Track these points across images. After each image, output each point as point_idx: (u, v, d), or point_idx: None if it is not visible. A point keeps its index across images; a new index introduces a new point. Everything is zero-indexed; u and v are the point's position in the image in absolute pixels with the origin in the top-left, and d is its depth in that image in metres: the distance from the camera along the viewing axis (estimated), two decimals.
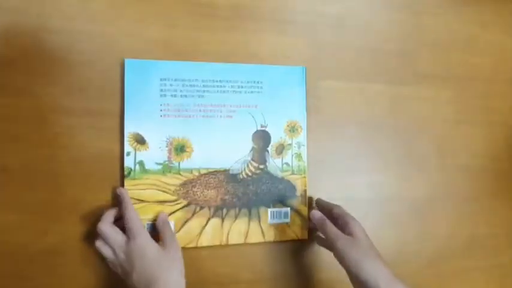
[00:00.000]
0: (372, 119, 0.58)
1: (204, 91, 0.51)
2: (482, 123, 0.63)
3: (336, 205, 0.50)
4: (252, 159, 0.53)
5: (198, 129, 0.51)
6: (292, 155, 0.54)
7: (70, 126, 0.48)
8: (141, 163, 0.49)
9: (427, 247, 0.59)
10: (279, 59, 0.55)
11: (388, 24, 0.60)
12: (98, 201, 0.48)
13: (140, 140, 0.49)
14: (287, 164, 0.54)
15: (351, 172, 0.57)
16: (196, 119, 0.51)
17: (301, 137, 0.54)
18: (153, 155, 0.49)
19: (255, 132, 0.53)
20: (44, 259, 0.47)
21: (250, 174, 0.52)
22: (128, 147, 0.49)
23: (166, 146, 0.50)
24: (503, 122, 0.64)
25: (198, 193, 0.51)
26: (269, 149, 0.53)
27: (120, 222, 0.45)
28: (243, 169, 0.52)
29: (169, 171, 0.50)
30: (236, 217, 0.52)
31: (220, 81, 0.52)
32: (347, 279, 0.44)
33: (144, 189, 0.49)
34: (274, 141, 0.53)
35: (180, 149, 0.50)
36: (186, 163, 0.50)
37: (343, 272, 0.44)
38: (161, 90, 0.50)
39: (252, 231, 0.52)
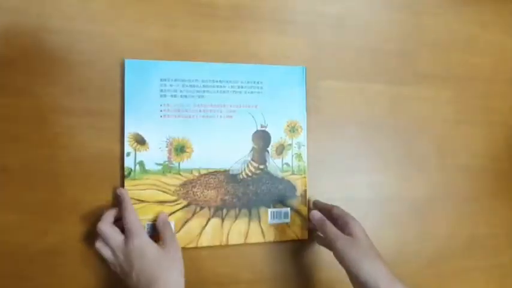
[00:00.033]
0: (372, 119, 0.58)
1: (204, 91, 0.51)
2: (482, 123, 0.63)
3: (335, 206, 0.50)
4: (252, 160, 0.53)
5: (198, 129, 0.51)
6: (292, 155, 0.54)
7: (70, 126, 0.48)
8: (141, 163, 0.49)
9: (427, 247, 0.59)
10: (279, 59, 0.55)
11: (388, 24, 0.60)
12: (98, 202, 0.48)
13: (140, 141, 0.49)
14: (287, 164, 0.54)
15: (351, 172, 0.57)
16: (196, 119, 0.51)
17: (301, 137, 0.54)
18: (153, 155, 0.49)
19: (255, 133, 0.53)
20: (44, 259, 0.47)
21: (250, 174, 0.52)
22: (128, 148, 0.49)
23: (166, 147, 0.50)
24: (503, 122, 0.64)
25: (198, 193, 0.51)
26: (269, 149, 0.53)
27: (120, 222, 0.45)
28: (243, 169, 0.52)
29: (169, 172, 0.50)
30: (236, 217, 0.52)
31: (220, 81, 0.52)
32: (347, 280, 0.44)
33: (144, 190, 0.49)
34: (274, 141, 0.53)
35: (180, 149, 0.50)
36: (186, 163, 0.50)
37: (343, 272, 0.44)
38: (161, 90, 0.50)
39: (252, 232, 0.52)
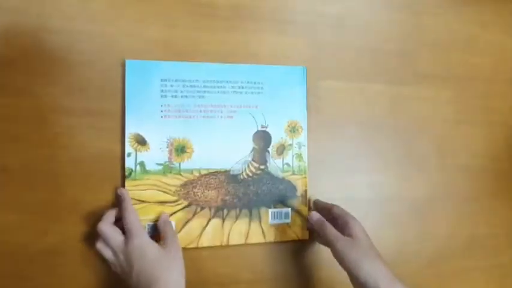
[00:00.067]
0: (372, 119, 0.58)
1: (204, 92, 0.51)
2: (482, 123, 0.63)
3: (335, 205, 0.50)
4: (253, 160, 0.53)
5: (199, 129, 0.51)
6: (293, 156, 0.54)
7: (70, 126, 0.48)
8: (141, 164, 0.49)
9: (427, 247, 0.59)
10: (279, 59, 0.55)
11: (388, 24, 0.60)
12: (98, 202, 0.48)
13: (141, 141, 0.49)
14: (288, 164, 0.54)
15: (351, 172, 0.57)
16: (196, 120, 0.51)
17: (302, 137, 0.54)
18: (154, 155, 0.49)
19: (256, 133, 0.53)
20: (44, 259, 0.47)
21: (250, 174, 0.52)
22: (128, 148, 0.49)
23: (167, 147, 0.50)
24: (503, 122, 0.64)
25: (198, 194, 0.51)
26: (270, 149, 0.53)
27: (120, 222, 0.45)
28: (243, 169, 0.52)
29: (170, 172, 0.50)
30: (237, 218, 0.52)
31: (220, 81, 0.52)
32: (348, 280, 0.44)
33: (145, 190, 0.49)
34: (275, 141, 0.53)
35: (181, 149, 0.50)
36: (186, 164, 0.50)
37: (344, 272, 0.44)
38: (162, 90, 0.50)
39: (253, 232, 0.52)
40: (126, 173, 0.48)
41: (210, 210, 0.51)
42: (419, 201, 0.59)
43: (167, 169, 0.50)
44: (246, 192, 0.52)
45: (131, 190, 0.48)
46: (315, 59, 0.56)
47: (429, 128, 0.60)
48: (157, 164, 0.49)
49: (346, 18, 0.58)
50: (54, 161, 0.48)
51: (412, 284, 0.42)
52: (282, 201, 0.53)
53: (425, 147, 0.60)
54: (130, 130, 0.49)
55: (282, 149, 0.54)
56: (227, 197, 0.52)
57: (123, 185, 0.48)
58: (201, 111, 0.51)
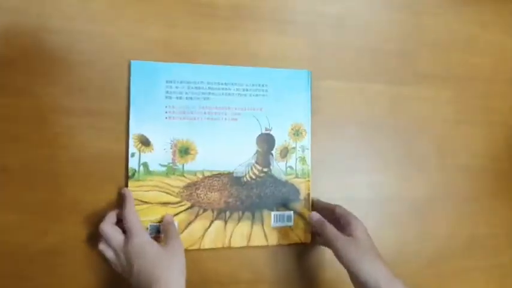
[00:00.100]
0: (372, 119, 0.58)
1: (209, 93, 0.51)
2: (482, 123, 0.63)
3: (338, 205, 0.50)
4: (256, 162, 0.52)
5: (203, 131, 0.51)
6: (296, 159, 0.54)
7: (70, 126, 0.48)
8: (145, 164, 0.49)
9: (427, 247, 0.59)
10: (279, 59, 0.55)
11: (388, 24, 0.60)
12: (99, 202, 0.48)
13: (145, 142, 0.49)
14: (291, 167, 0.54)
15: (351, 172, 0.57)
16: (201, 122, 0.51)
17: (306, 140, 0.54)
18: (158, 156, 0.49)
19: (260, 135, 0.53)
20: (44, 259, 0.47)
21: (254, 177, 0.52)
22: (132, 149, 0.49)
23: (171, 148, 0.50)
24: (503, 122, 0.64)
25: (201, 195, 0.51)
26: (273, 152, 0.53)
27: (122, 223, 0.45)
28: (247, 172, 0.52)
29: (173, 173, 0.50)
30: (239, 220, 0.52)
31: (225, 83, 0.52)
32: (349, 281, 0.44)
33: (148, 191, 0.49)
34: (279, 144, 0.53)
35: (185, 151, 0.50)
36: (190, 165, 0.50)
37: (346, 276, 0.44)
38: (167, 92, 0.50)
39: (255, 234, 0.52)
40: (130, 174, 0.48)
41: (212, 212, 0.51)
42: (419, 201, 0.59)
43: (170, 170, 0.50)
44: (249, 194, 0.52)
45: (134, 191, 0.48)
46: (315, 59, 0.56)
47: (429, 128, 0.60)
48: (161, 165, 0.49)
49: (346, 18, 0.58)
50: (54, 161, 0.47)
51: (412, 284, 0.42)
52: (285, 204, 0.53)
53: (425, 147, 0.60)
54: (134, 131, 0.49)
55: (285, 152, 0.54)
56: (230, 199, 0.51)
57: (127, 186, 0.48)
58: (205, 113, 0.51)
